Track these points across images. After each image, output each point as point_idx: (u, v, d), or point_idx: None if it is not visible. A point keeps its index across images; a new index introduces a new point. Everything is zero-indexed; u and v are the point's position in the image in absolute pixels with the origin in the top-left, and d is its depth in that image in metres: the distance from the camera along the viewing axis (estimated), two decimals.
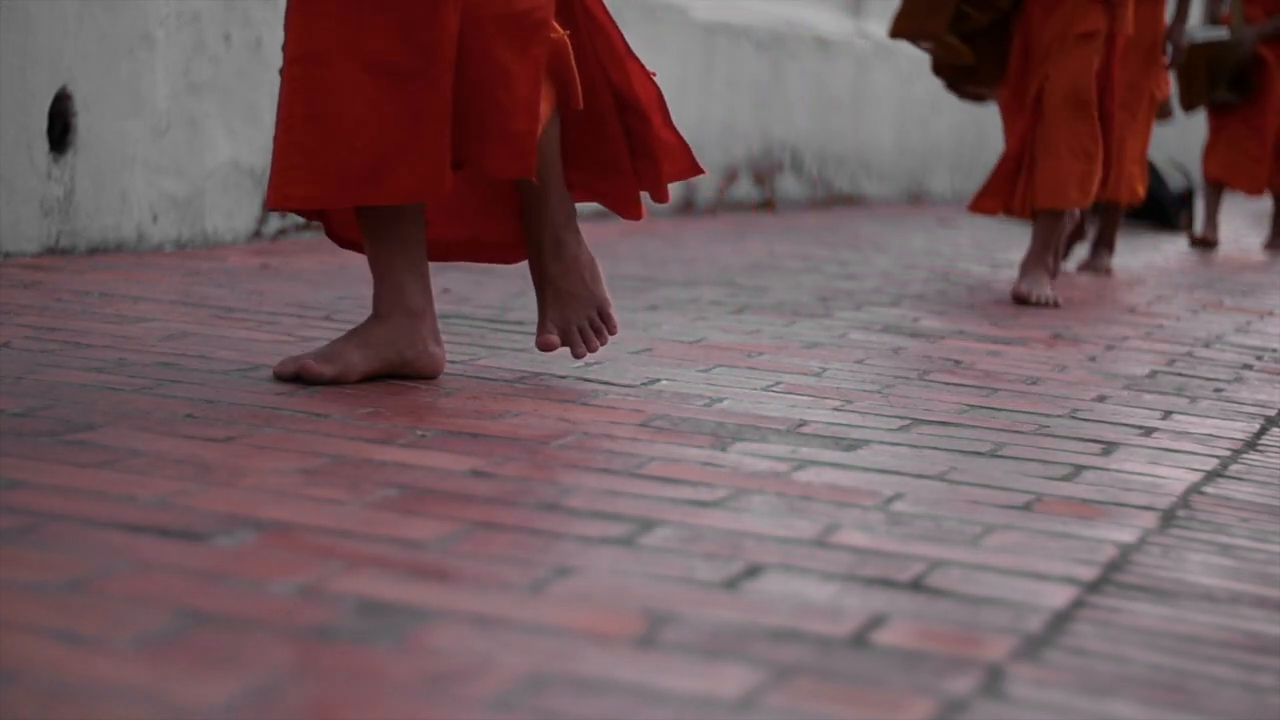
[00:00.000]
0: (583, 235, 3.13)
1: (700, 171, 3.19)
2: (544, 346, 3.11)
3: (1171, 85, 7.39)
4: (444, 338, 3.50)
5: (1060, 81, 5.06)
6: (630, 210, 3.21)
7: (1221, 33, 7.90)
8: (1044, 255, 5.16)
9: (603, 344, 3.14)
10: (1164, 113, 9.52)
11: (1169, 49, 6.33)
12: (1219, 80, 7.87)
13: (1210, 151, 8.11)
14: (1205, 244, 7.95)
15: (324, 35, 2.83)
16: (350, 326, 3.56)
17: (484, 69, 2.88)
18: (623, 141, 3.14)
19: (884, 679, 1.60)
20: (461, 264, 4.91)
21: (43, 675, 1.43)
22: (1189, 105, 7.98)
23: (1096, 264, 6.36)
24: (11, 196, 4.35)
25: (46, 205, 4.46)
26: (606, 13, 3.10)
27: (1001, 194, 5.28)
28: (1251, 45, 7.86)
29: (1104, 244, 6.47)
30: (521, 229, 3.17)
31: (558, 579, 1.84)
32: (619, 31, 3.11)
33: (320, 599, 1.70)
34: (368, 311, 3.02)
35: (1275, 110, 7.98)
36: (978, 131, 10.25)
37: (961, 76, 5.44)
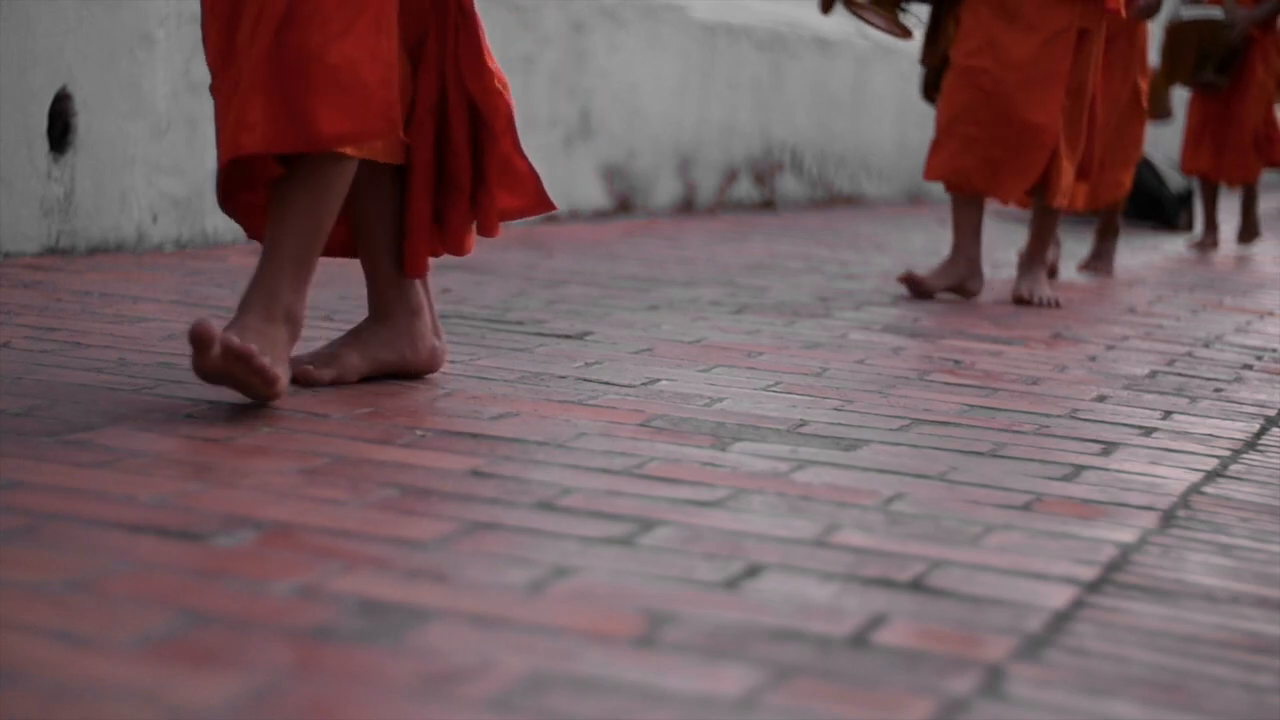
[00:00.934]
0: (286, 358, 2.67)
1: (550, 208, 2.92)
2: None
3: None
4: (444, 338, 3.50)
5: (1070, 87, 5.00)
6: (458, 243, 2.94)
7: (1214, 12, 7.79)
8: (1043, 254, 5.16)
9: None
10: (1164, 113, 9.46)
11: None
12: (1208, 61, 7.78)
13: (1194, 145, 8.00)
14: (1205, 247, 7.90)
15: (212, 47, 2.73)
16: (349, 327, 3.56)
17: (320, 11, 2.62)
18: (468, 157, 2.90)
19: (884, 679, 1.60)
20: (461, 264, 4.92)
21: (43, 675, 1.43)
22: (1172, 80, 7.83)
23: (1098, 264, 6.31)
24: (11, 196, 4.35)
25: (46, 205, 4.46)
26: (476, 10, 2.87)
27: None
28: (1245, 29, 7.79)
29: (1106, 244, 6.42)
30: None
31: (558, 579, 1.84)
32: (484, 33, 2.88)
33: (320, 599, 1.70)
34: (366, 310, 3.01)
35: (1254, 97, 7.92)
36: None
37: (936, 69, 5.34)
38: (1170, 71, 7.81)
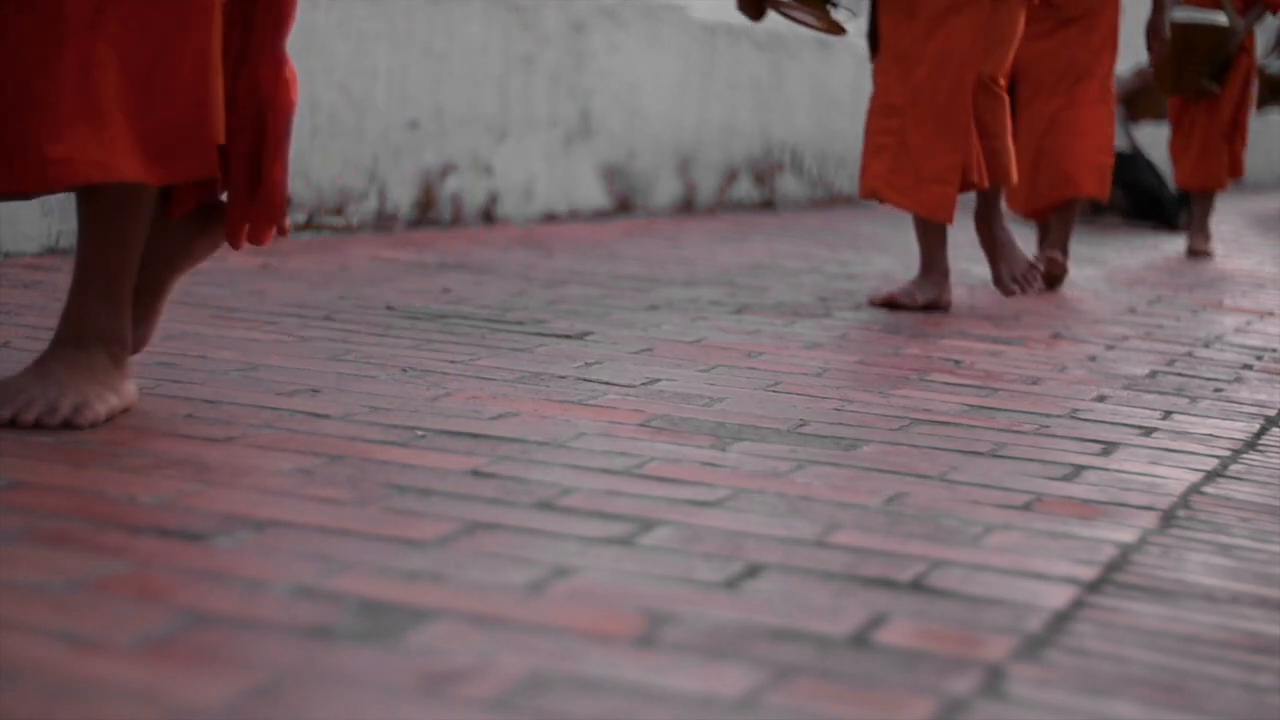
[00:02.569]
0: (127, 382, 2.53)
1: (284, 231, 2.64)
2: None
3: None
4: (445, 337, 3.50)
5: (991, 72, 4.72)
6: (233, 234, 2.62)
7: (1216, 16, 7.62)
8: (999, 235, 4.90)
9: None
10: (1162, 113, 9.39)
11: (1150, 41, 5.95)
12: (1211, 68, 7.62)
13: (1189, 160, 7.80)
14: (1201, 254, 7.68)
15: None
16: (349, 327, 3.56)
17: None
18: (247, 145, 2.58)
19: (884, 679, 1.60)
20: (462, 264, 4.92)
21: (43, 675, 1.43)
22: (1180, 86, 7.58)
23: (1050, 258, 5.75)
24: None
25: (46, 205, 4.46)
26: None
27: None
28: (1242, 37, 7.68)
29: (1054, 244, 5.83)
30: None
31: (558, 579, 1.84)
32: (288, 20, 2.58)
33: (320, 599, 1.70)
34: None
35: (1230, 102, 7.79)
36: None
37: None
38: (1177, 76, 7.66)
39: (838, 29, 4.76)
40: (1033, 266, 4.85)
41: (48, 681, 1.41)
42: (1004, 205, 5.14)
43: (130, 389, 2.54)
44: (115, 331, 2.52)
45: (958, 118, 4.64)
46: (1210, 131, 7.79)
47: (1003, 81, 4.75)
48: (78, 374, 2.47)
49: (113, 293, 2.52)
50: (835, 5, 4.77)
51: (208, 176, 2.46)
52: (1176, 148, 7.94)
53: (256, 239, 2.62)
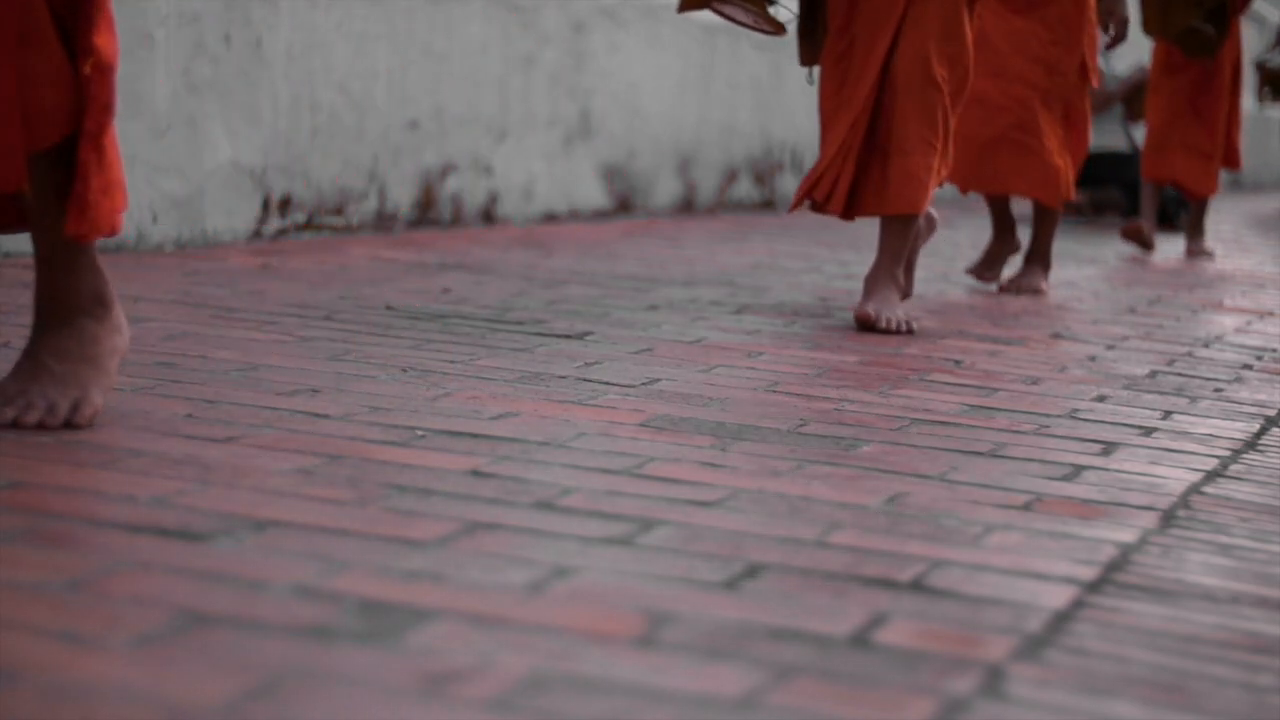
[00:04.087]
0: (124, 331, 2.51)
1: (114, 232, 2.43)
2: None
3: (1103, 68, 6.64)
4: (445, 337, 3.50)
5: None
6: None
7: None
8: (895, 269, 4.35)
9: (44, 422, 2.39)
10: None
11: (1109, 26, 5.65)
12: (1202, 10, 7.11)
13: (1164, 147, 7.42)
14: (1141, 240, 7.31)
15: None
16: (349, 327, 3.56)
17: None
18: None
19: (884, 679, 1.60)
20: (461, 264, 4.92)
21: (43, 675, 1.43)
22: (1165, 29, 7.16)
23: (1024, 283, 5.40)
24: None
25: None
26: None
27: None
28: None
29: (1036, 258, 5.52)
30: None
31: (558, 579, 1.84)
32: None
33: (320, 599, 1.70)
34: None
35: (1222, 94, 7.38)
36: None
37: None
38: (1163, 13, 7.15)
39: (778, 28, 4.44)
40: (906, 321, 4.16)
41: (47, 681, 1.41)
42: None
43: (122, 341, 2.50)
44: (92, 292, 2.49)
45: (832, 129, 4.33)
46: (1208, 137, 7.51)
47: (942, 74, 4.30)
48: (70, 361, 2.45)
49: (75, 259, 2.48)
50: (774, 2, 4.45)
51: (16, 188, 2.37)
52: (1153, 137, 7.50)
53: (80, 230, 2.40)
